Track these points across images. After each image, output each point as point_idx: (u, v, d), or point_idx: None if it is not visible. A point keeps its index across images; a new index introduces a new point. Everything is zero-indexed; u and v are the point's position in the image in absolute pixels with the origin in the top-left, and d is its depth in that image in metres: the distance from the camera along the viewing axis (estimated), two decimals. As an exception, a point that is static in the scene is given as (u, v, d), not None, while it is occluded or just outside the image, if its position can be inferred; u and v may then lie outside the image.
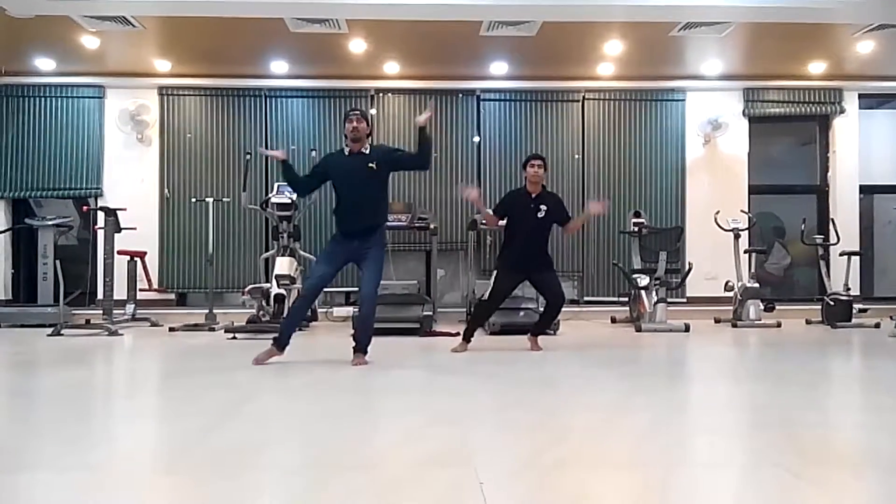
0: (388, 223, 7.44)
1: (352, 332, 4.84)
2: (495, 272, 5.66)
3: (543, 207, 5.41)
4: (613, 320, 7.86)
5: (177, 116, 8.65)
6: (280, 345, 4.66)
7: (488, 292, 5.64)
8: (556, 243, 8.30)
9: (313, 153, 7.92)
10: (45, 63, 8.13)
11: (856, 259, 8.12)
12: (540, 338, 5.59)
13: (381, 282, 4.80)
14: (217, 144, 8.64)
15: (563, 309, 5.69)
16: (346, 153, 4.79)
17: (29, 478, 2.25)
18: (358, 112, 4.77)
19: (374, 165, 4.70)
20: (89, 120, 8.56)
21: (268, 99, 8.67)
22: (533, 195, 5.45)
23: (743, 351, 6.07)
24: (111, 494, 2.15)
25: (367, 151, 4.75)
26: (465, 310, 7.85)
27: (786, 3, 6.21)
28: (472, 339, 5.49)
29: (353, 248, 4.70)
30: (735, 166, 8.89)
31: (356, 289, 8.05)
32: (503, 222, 5.56)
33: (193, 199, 8.10)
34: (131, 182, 8.53)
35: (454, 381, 4.23)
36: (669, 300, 7.34)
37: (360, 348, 4.67)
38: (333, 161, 4.91)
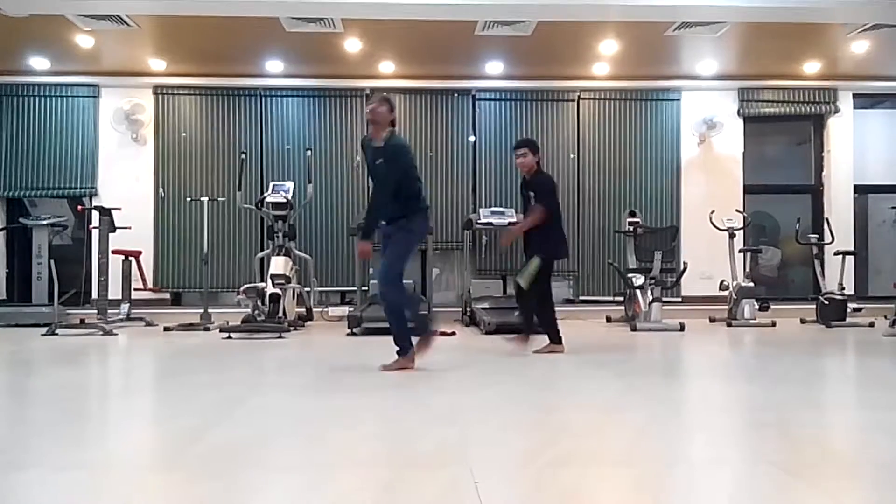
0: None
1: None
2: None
3: (531, 194, 5.29)
4: (609, 319, 7.86)
5: (172, 116, 8.62)
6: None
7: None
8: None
9: (308, 152, 7.94)
10: (39, 62, 8.10)
11: (850, 258, 8.14)
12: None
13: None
14: (212, 144, 8.62)
15: (559, 308, 5.62)
16: (370, 139, 4.53)
17: (26, 477, 2.24)
18: (380, 96, 4.49)
19: (382, 162, 4.39)
20: (84, 119, 8.53)
21: (263, 98, 8.65)
22: (527, 179, 5.37)
23: (738, 350, 6.08)
24: (108, 493, 2.14)
25: (382, 144, 4.39)
26: (460, 309, 7.85)
27: (781, 3, 6.22)
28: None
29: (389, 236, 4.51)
30: (730, 166, 8.91)
31: (352, 288, 8.13)
32: None
33: (188, 199, 8.07)
34: (126, 181, 8.50)
35: (449, 380, 4.22)
36: (664, 299, 7.35)
37: (413, 346, 4.41)
38: (364, 145, 4.66)
